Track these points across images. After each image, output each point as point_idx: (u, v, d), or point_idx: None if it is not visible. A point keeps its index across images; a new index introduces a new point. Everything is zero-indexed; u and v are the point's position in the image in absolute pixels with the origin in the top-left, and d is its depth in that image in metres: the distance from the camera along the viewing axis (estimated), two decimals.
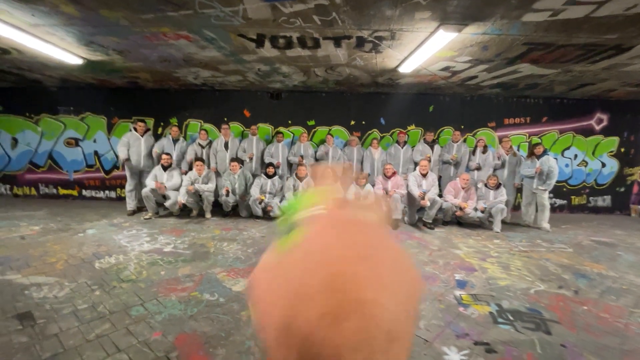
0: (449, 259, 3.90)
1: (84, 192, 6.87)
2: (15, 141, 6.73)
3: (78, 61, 4.53)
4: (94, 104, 6.62)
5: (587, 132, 6.84)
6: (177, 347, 2.09)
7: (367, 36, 3.55)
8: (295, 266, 0.22)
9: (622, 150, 6.90)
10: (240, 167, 5.58)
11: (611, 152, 6.92)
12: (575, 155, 6.91)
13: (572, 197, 7.02)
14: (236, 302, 2.69)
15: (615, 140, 6.87)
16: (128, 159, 5.49)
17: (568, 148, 6.88)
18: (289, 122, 6.80)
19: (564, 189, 6.95)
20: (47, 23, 3.31)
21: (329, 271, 0.20)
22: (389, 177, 5.40)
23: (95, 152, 6.78)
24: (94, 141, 6.75)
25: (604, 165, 6.95)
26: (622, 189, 7.04)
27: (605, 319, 2.65)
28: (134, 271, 3.21)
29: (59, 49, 4.10)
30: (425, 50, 3.80)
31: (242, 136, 6.66)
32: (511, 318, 2.60)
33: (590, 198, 7.04)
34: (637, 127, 6.85)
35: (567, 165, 6.90)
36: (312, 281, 0.20)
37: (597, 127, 6.84)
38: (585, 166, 6.94)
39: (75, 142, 6.74)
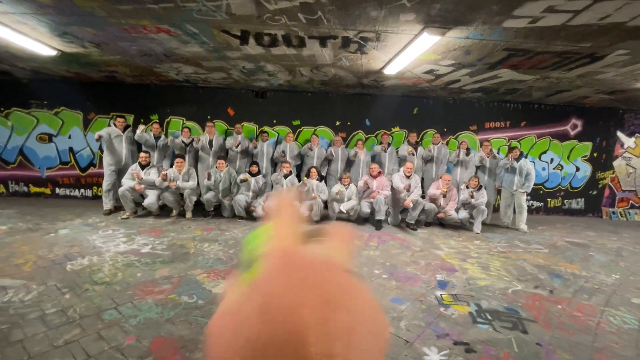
0: (430, 259, 3.95)
1: (58, 191, 6.56)
2: None
3: (52, 53, 4.32)
4: (69, 99, 6.34)
5: (563, 137, 7.11)
6: (152, 352, 2.01)
7: (352, 36, 3.54)
8: (250, 314, 0.19)
9: (595, 155, 7.20)
10: (227, 165, 5.48)
11: (585, 156, 7.22)
12: (552, 159, 7.16)
13: (548, 199, 7.27)
14: (216, 304, 2.61)
15: (588, 145, 7.17)
16: (101, 137, 5.22)
17: (545, 152, 7.12)
18: (274, 121, 6.73)
19: (541, 192, 7.19)
20: (16, 11, 3.13)
21: (289, 320, 0.18)
22: (375, 177, 5.42)
23: (70, 149, 6.50)
24: (69, 137, 6.46)
25: (578, 169, 7.24)
26: (595, 192, 7.35)
27: (578, 318, 2.74)
28: (108, 273, 3.08)
29: (30, 39, 3.89)
30: (410, 52, 3.83)
31: (226, 135, 6.54)
32: (490, 318, 2.65)
33: (565, 200, 7.32)
34: (608, 133, 7.17)
35: (543, 169, 7.14)
36: (270, 332, 0.18)
37: (572, 133, 7.12)
38: (561, 170, 7.20)
39: (49, 138, 6.44)
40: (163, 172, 5.02)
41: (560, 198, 7.31)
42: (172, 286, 2.89)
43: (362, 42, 3.71)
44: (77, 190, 6.58)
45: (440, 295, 3.00)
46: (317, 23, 3.23)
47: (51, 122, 6.39)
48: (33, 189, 6.53)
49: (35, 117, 6.37)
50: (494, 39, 3.48)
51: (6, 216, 4.93)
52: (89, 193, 6.58)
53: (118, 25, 3.45)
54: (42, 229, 4.37)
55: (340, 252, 0.25)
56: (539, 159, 7.10)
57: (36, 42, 3.98)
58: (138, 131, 5.44)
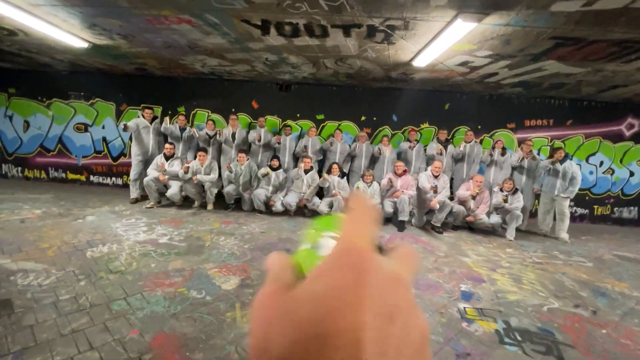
0: (455, 266, 3.66)
1: (92, 178, 6.91)
2: (27, 124, 6.81)
3: (83, 45, 4.46)
4: (103, 90, 6.62)
5: (616, 137, 6.37)
6: (153, 349, 1.97)
7: (378, 25, 3.30)
8: (305, 300, 0.19)
9: None
10: (248, 158, 5.45)
11: None
12: (601, 162, 6.45)
13: (595, 206, 6.59)
14: (223, 301, 2.55)
15: None
16: (128, 127, 5.32)
17: (593, 154, 6.43)
18: (298, 115, 6.61)
19: (587, 198, 6.52)
20: (46, 3, 3.22)
21: (349, 318, 0.17)
22: (400, 176, 5.15)
23: (104, 139, 6.79)
24: (103, 127, 6.75)
25: (632, 174, 6.48)
26: None
27: (626, 346, 2.38)
28: (124, 262, 3.12)
29: (63, 31, 4.03)
30: (442, 42, 3.52)
31: (250, 128, 6.52)
32: (519, 338, 2.37)
33: (615, 208, 6.59)
34: None
35: (591, 173, 6.46)
36: (324, 324, 0.17)
37: (628, 133, 6.36)
38: (612, 174, 6.48)
39: (85, 128, 6.77)
40: (185, 165, 5.08)
41: (609, 205, 6.59)
42: (182, 279, 2.87)
43: (388, 31, 3.46)
44: (109, 178, 6.88)
45: (464, 308, 2.74)
46: (339, 10, 3.03)
47: (87, 112, 6.71)
48: (70, 176, 6.92)
49: (73, 108, 6.71)
50: (539, 25, 3.09)
51: (42, 201, 5.23)
52: (119, 181, 6.87)
53: (141, 16, 3.46)
54: (72, 214, 4.58)
55: (407, 270, 0.24)
56: (586, 161, 6.43)
57: (68, 34, 4.11)
58: (164, 123, 5.55)
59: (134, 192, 5.57)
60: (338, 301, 0.18)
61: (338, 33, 3.61)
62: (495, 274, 3.53)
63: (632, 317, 2.83)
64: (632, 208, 6.60)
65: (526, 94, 6.09)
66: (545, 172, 5.31)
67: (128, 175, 6.48)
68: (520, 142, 6.12)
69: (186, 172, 5.02)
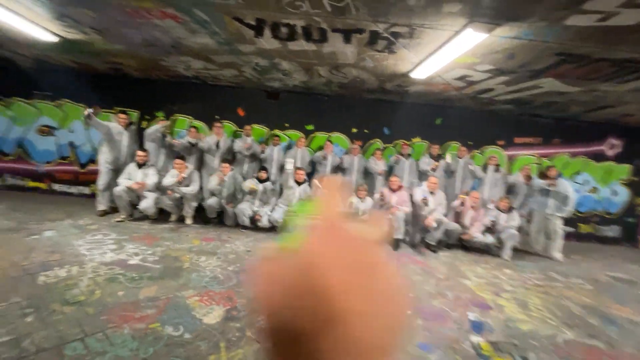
0: (458, 291, 3.41)
1: (55, 187, 6.22)
2: None
3: (52, 38, 3.99)
4: (73, 91, 6.03)
5: (599, 157, 6.50)
6: None
7: (382, 31, 3.09)
8: (294, 267, 0.22)
9: (635, 178, 6.56)
10: (232, 169, 5.05)
11: (622, 179, 6.58)
12: (586, 181, 6.54)
13: (580, 224, 6.64)
14: (205, 340, 2.14)
15: (627, 167, 6.54)
16: (92, 116, 4.59)
17: (578, 173, 6.52)
18: (286, 125, 6.31)
19: (573, 216, 6.54)
20: None
21: (321, 279, 0.21)
22: (395, 191, 4.92)
23: (71, 143, 6.17)
24: (71, 131, 6.14)
25: (614, 193, 6.60)
26: (632, 219, 6.68)
27: None
28: (85, 289, 2.64)
29: (28, 21, 3.56)
30: (445, 53, 3.36)
31: (235, 136, 6.14)
32: None
33: (599, 227, 6.67)
34: None
35: (577, 191, 6.52)
36: (305, 285, 0.21)
37: (610, 153, 6.51)
38: (596, 193, 6.58)
39: (50, 131, 6.12)
40: (182, 175, 4.66)
41: (593, 224, 6.66)
42: (156, 311, 2.43)
43: (392, 39, 3.26)
44: (74, 187, 6.22)
45: (477, 342, 2.47)
46: (343, 12, 2.79)
47: (53, 114, 6.09)
48: (30, 184, 6.21)
49: (37, 108, 6.07)
50: (547, 40, 2.98)
51: None
52: (86, 190, 6.22)
53: (119, 7, 3.08)
54: (26, 229, 3.98)
55: (375, 230, 0.27)
56: (572, 180, 6.49)
57: (34, 25, 3.64)
58: (158, 126, 5.27)
59: (102, 204, 5.00)
60: (313, 269, 0.22)
61: (338, 38, 3.38)
62: (501, 299, 3.31)
63: None
64: (614, 226, 6.70)
65: (516, 111, 6.10)
66: (537, 192, 5.26)
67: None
68: (511, 158, 6.11)
69: (181, 182, 4.63)
